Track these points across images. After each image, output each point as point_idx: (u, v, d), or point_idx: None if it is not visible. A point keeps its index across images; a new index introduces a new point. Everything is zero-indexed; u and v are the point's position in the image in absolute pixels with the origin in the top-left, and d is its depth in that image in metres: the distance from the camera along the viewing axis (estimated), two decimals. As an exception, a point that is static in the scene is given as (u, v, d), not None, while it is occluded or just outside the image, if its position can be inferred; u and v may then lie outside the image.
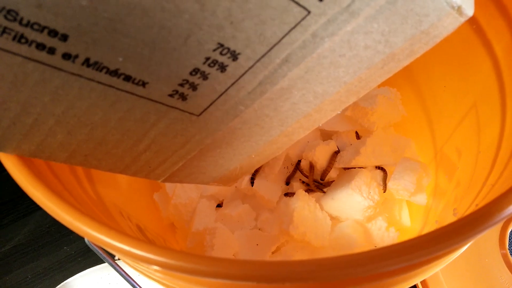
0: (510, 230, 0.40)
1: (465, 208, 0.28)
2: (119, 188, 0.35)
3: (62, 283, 0.39)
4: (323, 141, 0.42)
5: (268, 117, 0.21)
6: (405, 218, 0.41)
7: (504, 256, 0.44)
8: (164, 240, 0.38)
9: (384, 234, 0.38)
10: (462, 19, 0.18)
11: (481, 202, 0.26)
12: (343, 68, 0.19)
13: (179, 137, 0.21)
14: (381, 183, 0.39)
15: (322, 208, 0.38)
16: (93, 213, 0.24)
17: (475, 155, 0.33)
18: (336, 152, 0.41)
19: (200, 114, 0.20)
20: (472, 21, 0.32)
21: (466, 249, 0.22)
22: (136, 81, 0.17)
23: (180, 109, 0.19)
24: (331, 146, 0.41)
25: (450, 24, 0.18)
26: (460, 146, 0.36)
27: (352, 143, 0.42)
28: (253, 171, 0.26)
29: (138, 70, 0.16)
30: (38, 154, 0.20)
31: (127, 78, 0.17)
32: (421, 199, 0.38)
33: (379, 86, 0.43)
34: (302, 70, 0.18)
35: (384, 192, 0.39)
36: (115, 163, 0.22)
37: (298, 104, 0.21)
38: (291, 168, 0.42)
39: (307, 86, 0.20)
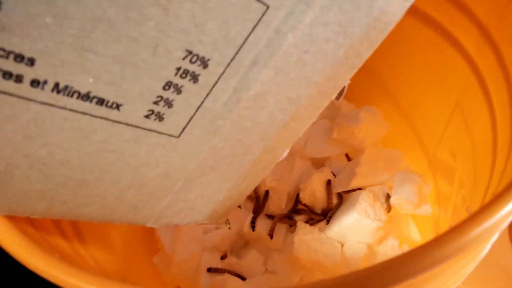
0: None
1: (479, 203, 0.28)
2: (115, 252, 0.33)
3: None
4: (316, 169, 0.42)
5: (247, 130, 0.21)
6: (414, 232, 0.40)
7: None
8: None
9: (398, 253, 0.36)
10: (407, 4, 0.19)
11: (496, 190, 0.26)
12: (310, 65, 0.20)
13: (161, 165, 0.20)
14: (384, 202, 0.38)
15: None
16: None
17: (471, 151, 0.33)
18: (329, 181, 0.41)
19: (180, 134, 0.19)
20: (436, 25, 0.35)
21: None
22: (109, 104, 0.17)
23: (158, 132, 0.19)
24: (326, 173, 0.41)
25: (398, 9, 0.19)
26: (453, 147, 0.36)
27: (346, 166, 0.42)
28: (242, 200, 0.25)
29: (110, 90, 0.16)
30: (15, 208, 0.18)
31: (100, 102, 0.16)
32: (426, 209, 0.38)
33: (357, 106, 0.45)
34: (272, 71, 0.19)
35: (388, 212, 0.38)
36: (98, 208, 0.20)
37: (275, 112, 0.21)
38: (290, 204, 0.41)
39: (280, 91, 0.20)
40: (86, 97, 0.16)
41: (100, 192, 0.20)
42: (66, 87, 0.15)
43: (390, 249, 0.38)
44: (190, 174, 0.21)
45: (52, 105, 0.16)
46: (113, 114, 0.17)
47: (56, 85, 0.15)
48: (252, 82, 0.19)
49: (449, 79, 0.37)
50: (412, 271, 0.13)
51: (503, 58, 0.30)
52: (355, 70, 0.21)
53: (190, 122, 0.19)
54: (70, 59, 0.15)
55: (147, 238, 0.41)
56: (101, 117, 0.17)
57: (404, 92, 0.44)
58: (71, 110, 0.16)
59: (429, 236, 0.39)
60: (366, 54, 0.21)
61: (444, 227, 0.37)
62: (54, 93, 0.15)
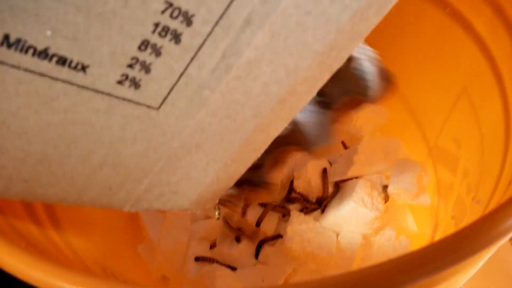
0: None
1: (489, 191, 0.26)
2: (97, 240, 0.31)
3: None
4: (312, 157, 0.40)
5: (239, 104, 0.18)
6: (411, 223, 0.38)
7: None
8: None
9: (395, 244, 0.35)
10: None
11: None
12: (311, 30, 0.17)
13: (139, 142, 0.18)
14: (381, 191, 0.37)
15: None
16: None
17: (478, 139, 0.31)
18: (325, 170, 0.39)
19: (160, 106, 0.17)
20: (444, 5, 0.32)
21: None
22: (73, 64, 0.14)
23: (134, 102, 0.16)
24: (322, 161, 0.39)
25: None
26: (457, 134, 0.35)
27: (342, 154, 0.40)
28: (232, 184, 0.23)
29: (73, 47, 0.14)
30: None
31: (62, 61, 0.14)
32: (425, 199, 0.36)
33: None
34: (267, 35, 0.16)
35: (386, 202, 0.36)
36: (66, 188, 0.18)
37: (270, 84, 0.18)
38: (283, 192, 0.39)
39: (276, 59, 0.17)
40: (44, 54, 0.13)
41: (67, 171, 0.17)
42: (18, 40, 0.13)
43: (387, 240, 0.36)
44: (173, 153, 0.19)
45: (2, 62, 0.13)
46: (78, 77, 0.14)
47: (6, 37, 0.12)
48: (245, 47, 0.16)
49: (456, 63, 0.35)
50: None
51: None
52: (361, 40, 0.19)
53: (172, 92, 0.16)
54: (21, 5, 0.12)
55: (131, 226, 0.38)
56: (64, 81, 0.14)
57: (406, 78, 0.42)
58: (26, 70, 0.13)
59: (427, 227, 0.37)
60: (374, 21, 0.18)
61: (444, 218, 0.35)
62: (4, 47, 0.13)
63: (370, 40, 0.21)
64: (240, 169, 0.22)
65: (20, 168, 0.16)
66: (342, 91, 0.26)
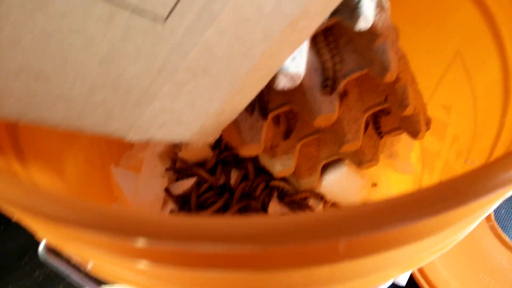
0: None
1: (486, 153, 0.26)
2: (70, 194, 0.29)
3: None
4: None
5: (249, 22, 0.17)
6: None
7: (492, 228, 0.42)
8: None
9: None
10: None
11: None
12: None
13: (142, 59, 0.16)
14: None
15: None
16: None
17: (471, 103, 0.31)
18: None
19: (167, 17, 0.15)
20: None
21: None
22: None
23: (140, 10, 0.15)
24: None
25: None
26: (447, 101, 0.34)
27: None
28: (234, 116, 0.22)
29: None
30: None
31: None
32: (408, 168, 0.35)
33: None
34: None
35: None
36: (64, 110, 0.17)
37: (284, 2, 0.17)
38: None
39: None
40: None
41: (65, 90, 0.16)
42: None
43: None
44: (179, 75, 0.17)
45: None
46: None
47: None
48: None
49: (452, 24, 0.34)
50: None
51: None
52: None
53: (180, 2, 0.15)
54: None
55: (104, 184, 0.37)
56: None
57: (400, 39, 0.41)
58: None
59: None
60: None
61: (430, 183, 0.35)
62: None
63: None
64: (244, 101, 0.21)
65: (13, 83, 0.15)
66: (355, 64, 0.25)
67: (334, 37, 0.25)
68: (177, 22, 0.16)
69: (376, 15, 0.22)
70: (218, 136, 0.22)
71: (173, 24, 0.16)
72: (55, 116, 0.17)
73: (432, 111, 0.33)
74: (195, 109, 0.20)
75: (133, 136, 0.19)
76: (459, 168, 0.29)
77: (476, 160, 0.27)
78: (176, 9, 0.15)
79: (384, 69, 0.24)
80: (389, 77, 0.24)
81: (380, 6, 0.22)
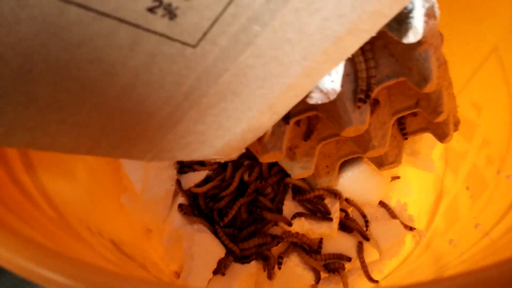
0: None
1: None
2: (79, 193, 0.28)
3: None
4: None
5: (290, 44, 0.15)
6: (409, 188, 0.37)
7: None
8: (141, 251, 0.32)
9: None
10: None
11: None
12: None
13: (168, 86, 0.14)
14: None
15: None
16: (55, 237, 0.17)
17: (506, 105, 0.28)
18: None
19: (198, 43, 0.13)
20: None
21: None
22: (93, -17, 0.10)
23: (167, 36, 0.13)
24: None
25: None
26: (477, 99, 0.32)
27: None
28: (262, 133, 0.20)
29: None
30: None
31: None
32: (429, 166, 0.34)
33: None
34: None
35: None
36: (77, 138, 0.15)
37: (330, 20, 0.15)
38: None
39: (345, -12, 0.14)
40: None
41: (80, 118, 0.14)
42: None
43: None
44: (207, 100, 0.16)
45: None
46: (96, 1, 0.11)
47: None
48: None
49: (487, 20, 0.31)
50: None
51: None
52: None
53: (215, 25, 0.13)
54: None
55: (114, 175, 0.35)
56: (79, 5, 0.10)
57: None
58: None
59: (428, 194, 0.36)
60: None
61: (453, 188, 0.33)
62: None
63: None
64: (274, 117, 0.19)
65: (23, 114, 0.13)
66: (390, 71, 0.23)
67: (370, 39, 0.23)
68: (209, 47, 0.13)
69: (424, 23, 0.20)
70: (242, 152, 0.21)
71: (205, 49, 0.14)
72: (68, 144, 0.15)
73: (460, 107, 0.31)
74: (221, 130, 0.18)
75: (152, 157, 0.18)
76: (490, 178, 0.28)
77: None
78: (209, 34, 0.13)
79: (424, 80, 0.22)
80: (429, 88, 0.22)
81: (429, 15, 0.19)
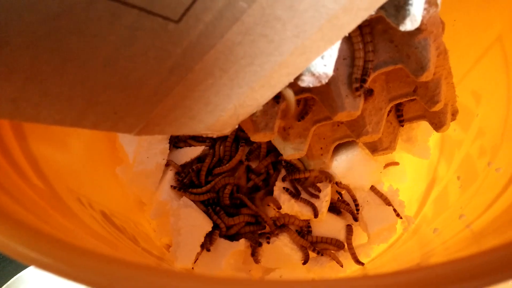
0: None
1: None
2: (71, 163, 0.28)
3: (15, 276, 0.33)
4: None
5: (280, 21, 0.15)
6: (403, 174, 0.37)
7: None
8: (134, 223, 0.33)
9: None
10: None
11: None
12: None
13: (151, 61, 0.14)
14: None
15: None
16: (40, 210, 0.18)
17: (504, 95, 0.28)
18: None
19: (181, 18, 0.13)
20: None
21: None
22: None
23: (147, 11, 0.12)
24: None
25: None
26: (477, 88, 0.31)
27: None
28: (257, 109, 0.20)
29: None
30: None
31: None
32: (425, 153, 0.34)
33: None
34: None
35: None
36: (62, 110, 0.15)
37: (323, -2, 0.14)
38: None
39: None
40: None
41: (64, 91, 0.14)
42: None
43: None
44: (193, 75, 0.15)
45: None
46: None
47: None
48: None
49: (493, 7, 0.30)
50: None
51: None
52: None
53: (198, 1, 0.12)
54: None
55: (109, 147, 0.36)
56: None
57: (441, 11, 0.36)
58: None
59: (420, 181, 0.36)
60: None
61: (446, 176, 0.33)
62: None
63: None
64: (267, 94, 0.19)
65: (5, 85, 0.13)
66: (388, 57, 0.22)
67: (369, 22, 0.22)
68: (193, 23, 0.13)
69: (424, 10, 0.19)
70: (235, 127, 0.21)
71: (188, 25, 0.13)
72: (52, 116, 0.15)
73: (459, 95, 0.31)
74: (210, 105, 0.18)
75: (140, 131, 0.18)
76: (481, 169, 0.27)
77: (502, 168, 0.25)
78: (192, 9, 0.13)
79: (421, 68, 0.21)
80: (425, 77, 0.22)
81: (430, 2, 0.19)
